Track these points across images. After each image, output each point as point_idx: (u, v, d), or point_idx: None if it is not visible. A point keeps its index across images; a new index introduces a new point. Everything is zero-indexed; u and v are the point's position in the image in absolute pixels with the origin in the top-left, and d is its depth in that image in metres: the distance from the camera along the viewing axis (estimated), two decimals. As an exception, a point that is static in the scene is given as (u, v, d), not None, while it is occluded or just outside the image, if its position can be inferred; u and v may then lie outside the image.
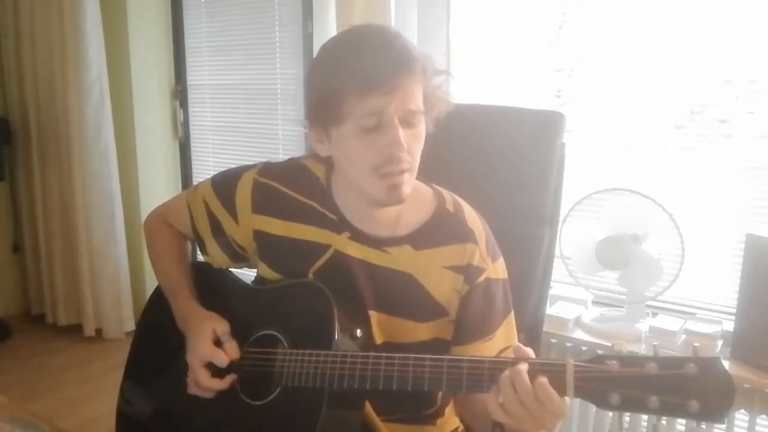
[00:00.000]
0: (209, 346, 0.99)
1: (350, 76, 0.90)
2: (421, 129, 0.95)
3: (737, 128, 1.90)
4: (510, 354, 1.07)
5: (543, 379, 0.78)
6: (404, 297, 1.02)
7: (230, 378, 1.00)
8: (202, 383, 0.99)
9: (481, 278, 1.03)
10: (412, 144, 0.93)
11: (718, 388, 0.71)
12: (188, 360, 1.01)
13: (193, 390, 1.01)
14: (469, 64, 2.26)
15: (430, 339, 1.04)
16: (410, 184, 0.96)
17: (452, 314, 1.04)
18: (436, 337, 1.04)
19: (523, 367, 0.80)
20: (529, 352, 0.84)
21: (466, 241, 1.03)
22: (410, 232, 1.03)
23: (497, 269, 1.06)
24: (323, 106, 0.93)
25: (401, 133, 0.90)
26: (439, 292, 1.03)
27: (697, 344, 0.80)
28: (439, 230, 1.03)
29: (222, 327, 1.02)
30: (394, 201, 0.96)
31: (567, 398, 0.81)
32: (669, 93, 2.00)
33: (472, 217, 1.06)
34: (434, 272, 1.02)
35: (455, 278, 1.02)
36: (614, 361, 0.76)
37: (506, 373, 0.81)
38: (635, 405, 0.74)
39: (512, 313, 1.09)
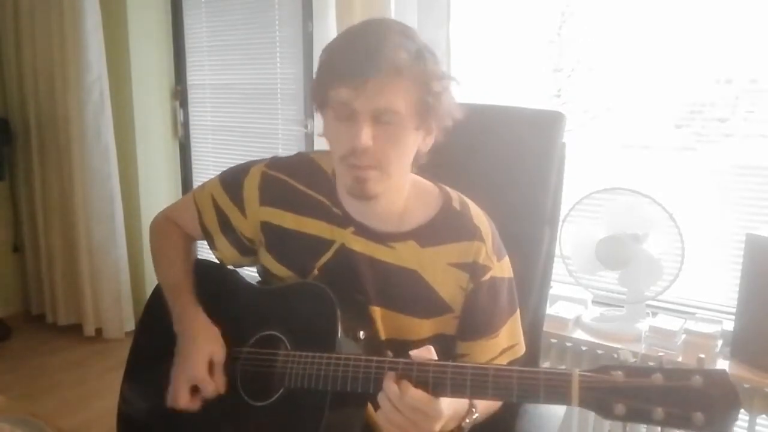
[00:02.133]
0: (202, 371, 1.00)
1: (330, 66, 0.94)
2: (400, 131, 0.93)
3: (737, 128, 1.90)
4: (516, 353, 1.08)
5: (405, 382, 0.84)
6: (409, 293, 1.02)
7: (201, 402, 1.00)
8: (181, 403, 1.00)
9: (487, 276, 1.03)
10: (383, 143, 0.93)
11: (723, 400, 0.71)
12: (175, 371, 1.01)
13: (168, 402, 1.01)
14: (469, 64, 2.26)
15: (433, 335, 1.04)
16: (381, 182, 0.95)
17: (457, 311, 1.04)
18: (439, 333, 1.05)
19: (390, 373, 0.85)
20: (426, 353, 0.88)
21: (472, 238, 1.03)
22: (415, 228, 1.03)
23: (503, 268, 1.06)
24: (313, 91, 0.98)
25: (366, 129, 0.91)
26: (444, 289, 1.03)
27: (702, 355, 0.79)
28: (446, 227, 1.04)
29: (219, 354, 1.02)
30: (359, 194, 0.97)
31: (443, 399, 0.85)
32: (669, 93, 2.00)
33: (478, 215, 1.06)
34: (439, 269, 1.02)
35: (460, 275, 1.02)
36: (619, 372, 0.75)
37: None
38: (640, 416, 0.73)
39: (518, 312, 1.09)
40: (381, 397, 0.85)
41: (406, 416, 0.84)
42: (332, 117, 0.95)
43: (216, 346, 1.03)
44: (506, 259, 1.07)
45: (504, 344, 1.06)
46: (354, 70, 0.89)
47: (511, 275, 1.08)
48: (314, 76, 0.98)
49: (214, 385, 1.00)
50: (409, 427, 0.84)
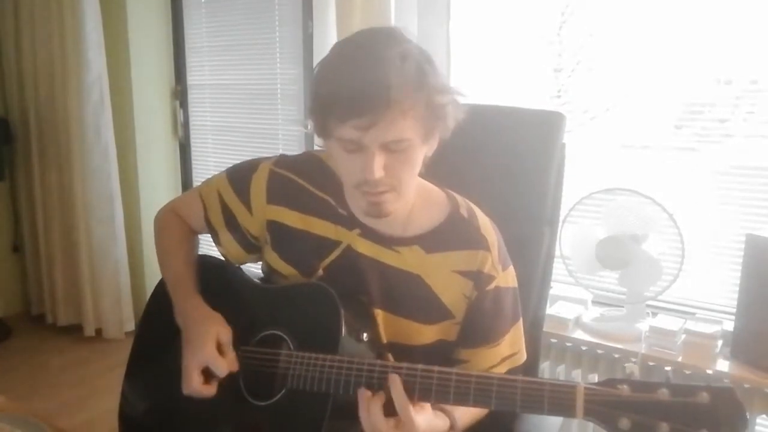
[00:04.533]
0: (211, 351, 0.98)
1: (333, 99, 0.89)
2: (411, 153, 0.92)
3: (737, 129, 1.90)
4: (516, 361, 1.07)
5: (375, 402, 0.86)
6: (411, 298, 1.02)
7: (218, 387, 0.99)
8: (195, 387, 0.98)
9: (491, 286, 1.03)
10: (397, 168, 0.92)
11: (730, 419, 0.70)
12: (185, 359, 1.00)
13: (184, 390, 1.00)
14: (469, 64, 2.26)
15: (434, 341, 1.04)
16: (397, 201, 0.96)
17: (458, 317, 1.04)
18: (440, 339, 1.05)
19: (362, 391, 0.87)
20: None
21: (478, 247, 1.03)
22: (421, 234, 1.03)
23: (507, 277, 1.06)
24: (314, 118, 0.95)
25: (377, 161, 0.89)
26: (447, 296, 1.03)
27: (709, 371, 0.79)
28: (452, 234, 1.03)
29: (225, 335, 1.01)
30: (376, 215, 0.97)
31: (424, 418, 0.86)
32: (669, 93, 2.00)
33: (485, 224, 1.06)
34: (443, 275, 1.02)
35: (464, 283, 1.02)
36: (625, 386, 0.75)
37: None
38: (645, 431, 0.73)
39: (520, 321, 1.09)
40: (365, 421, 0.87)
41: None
42: (339, 148, 0.93)
43: (220, 326, 1.02)
44: (511, 268, 1.07)
45: (505, 353, 1.06)
46: (360, 110, 0.86)
47: (516, 285, 1.08)
48: (309, 105, 0.95)
49: (225, 364, 0.98)
50: None
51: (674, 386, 0.73)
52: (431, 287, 1.02)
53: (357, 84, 0.87)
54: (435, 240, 1.03)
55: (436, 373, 0.86)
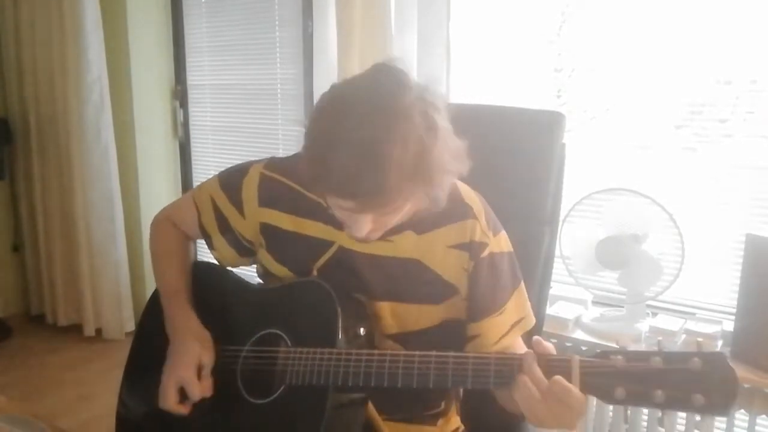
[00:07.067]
0: (189, 374, 0.99)
1: (326, 174, 0.84)
2: (400, 212, 0.92)
3: (737, 128, 1.90)
4: (525, 326, 1.07)
5: (558, 376, 0.79)
6: (415, 282, 1.03)
7: (190, 408, 1.00)
8: (170, 405, 0.99)
9: (485, 253, 1.03)
10: (385, 222, 0.94)
11: (722, 382, 0.72)
12: (164, 373, 1.02)
13: (159, 404, 1.01)
14: (469, 64, 2.26)
15: (444, 321, 1.04)
16: (384, 230, 0.97)
17: (463, 292, 1.04)
18: (450, 318, 1.05)
19: (534, 362, 0.80)
20: (549, 346, 0.84)
21: (465, 217, 1.03)
22: (410, 217, 1.02)
23: (500, 242, 1.06)
24: (307, 171, 0.90)
25: (366, 225, 0.91)
26: (448, 272, 1.03)
27: (700, 339, 0.81)
28: (439, 211, 1.03)
29: (207, 359, 1.02)
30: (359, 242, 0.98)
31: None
32: (669, 93, 2.00)
33: (468, 193, 1.06)
34: (439, 253, 1.03)
35: (461, 256, 1.03)
36: (619, 356, 0.77)
37: (523, 369, 0.81)
38: (640, 399, 0.75)
39: (522, 285, 1.08)
40: (524, 383, 0.81)
41: (549, 406, 0.79)
42: (332, 205, 0.92)
43: (205, 349, 1.03)
44: (503, 233, 1.07)
45: (512, 319, 1.05)
46: (351, 195, 0.84)
47: (510, 249, 1.07)
48: (303, 155, 0.90)
49: (199, 388, 0.99)
50: (551, 420, 0.80)
51: (667, 354, 0.75)
52: (431, 267, 1.03)
53: (350, 169, 0.81)
54: (424, 220, 1.03)
55: (433, 358, 0.86)
